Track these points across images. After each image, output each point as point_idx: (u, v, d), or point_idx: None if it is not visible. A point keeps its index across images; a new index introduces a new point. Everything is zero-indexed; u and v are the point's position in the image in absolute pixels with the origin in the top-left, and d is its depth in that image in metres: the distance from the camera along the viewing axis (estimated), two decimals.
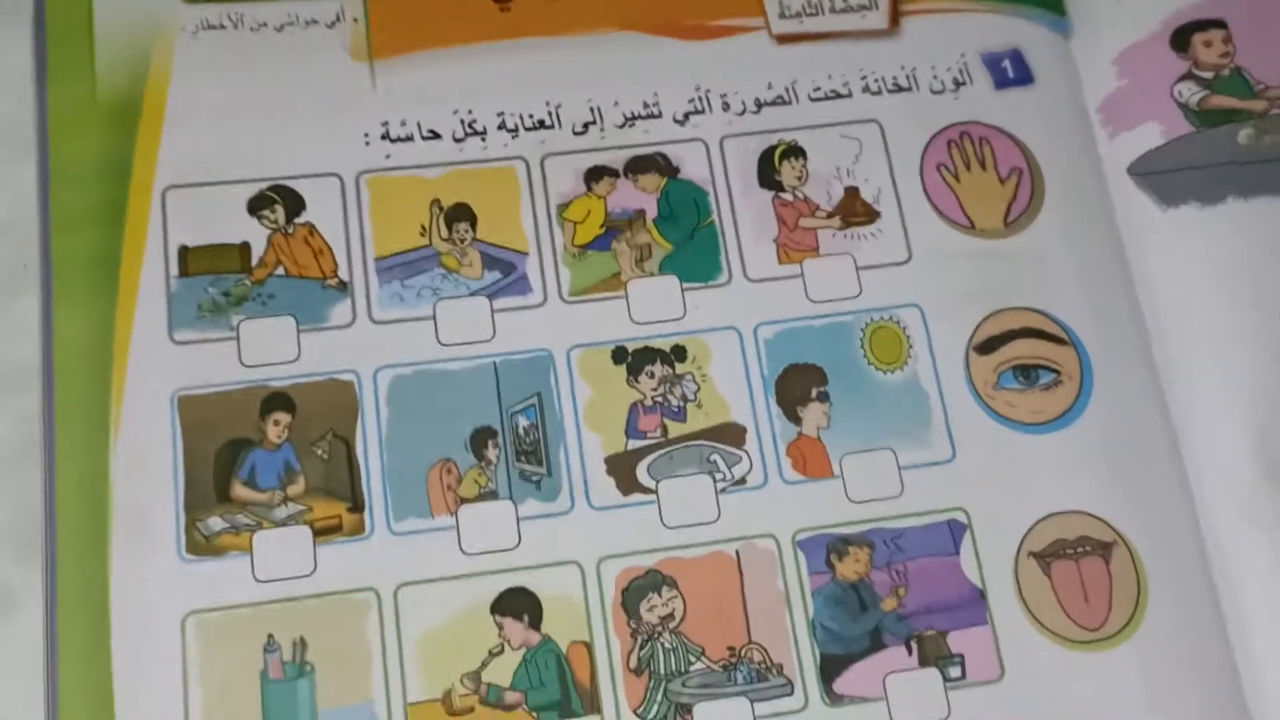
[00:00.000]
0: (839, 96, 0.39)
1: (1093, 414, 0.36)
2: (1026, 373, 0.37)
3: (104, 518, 0.33)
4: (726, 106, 0.39)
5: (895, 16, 0.40)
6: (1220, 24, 0.40)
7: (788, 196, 0.38)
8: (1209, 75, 0.39)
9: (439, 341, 0.36)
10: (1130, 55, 0.40)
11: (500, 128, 0.38)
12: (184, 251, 0.36)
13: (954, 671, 0.34)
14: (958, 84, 0.40)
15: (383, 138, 0.38)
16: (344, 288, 0.36)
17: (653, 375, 0.36)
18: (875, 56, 0.40)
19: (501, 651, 0.33)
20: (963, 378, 0.37)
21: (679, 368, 0.36)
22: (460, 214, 0.37)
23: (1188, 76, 0.39)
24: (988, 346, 0.37)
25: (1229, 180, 0.38)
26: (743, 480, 0.35)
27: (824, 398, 0.36)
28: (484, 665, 0.33)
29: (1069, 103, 0.40)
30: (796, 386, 0.36)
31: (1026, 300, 0.37)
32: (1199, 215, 0.38)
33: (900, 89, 0.40)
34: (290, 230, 0.36)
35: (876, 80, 0.40)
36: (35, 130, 0.37)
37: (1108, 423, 0.36)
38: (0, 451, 0.35)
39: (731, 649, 0.34)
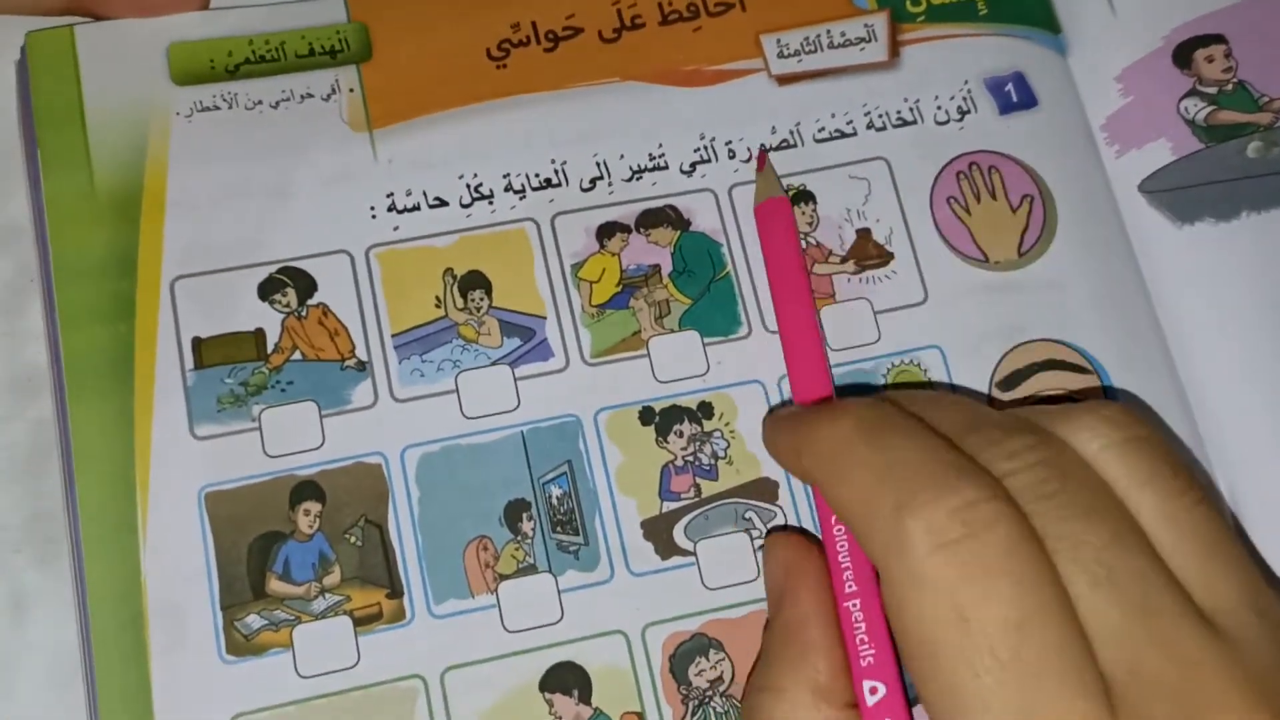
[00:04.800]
0: (844, 136, 0.39)
1: None
2: None
3: (140, 624, 0.33)
4: (732, 154, 0.38)
5: (894, 48, 0.40)
6: (1220, 39, 0.39)
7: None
8: (1213, 90, 0.39)
9: (464, 415, 0.35)
10: (1132, 73, 0.40)
11: (507, 189, 0.38)
12: (197, 343, 0.35)
13: None
14: (962, 113, 0.39)
15: (389, 209, 0.37)
16: (363, 368, 0.36)
17: (681, 434, 0.36)
18: (877, 90, 0.40)
19: None
20: None
21: (707, 425, 0.36)
22: (474, 282, 0.37)
23: (1192, 93, 0.39)
24: (1010, 382, 0.37)
25: (1242, 194, 0.38)
26: None
27: None
28: None
29: (1074, 123, 0.40)
30: None
31: (1046, 331, 0.37)
32: (1214, 231, 0.38)
33: (905, 123, 0.39)
34: (304, 313, 0.36)
35: (881, 115, 0.39)
36: (33, 225, 0.36)
37: None
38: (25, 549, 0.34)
39: None
